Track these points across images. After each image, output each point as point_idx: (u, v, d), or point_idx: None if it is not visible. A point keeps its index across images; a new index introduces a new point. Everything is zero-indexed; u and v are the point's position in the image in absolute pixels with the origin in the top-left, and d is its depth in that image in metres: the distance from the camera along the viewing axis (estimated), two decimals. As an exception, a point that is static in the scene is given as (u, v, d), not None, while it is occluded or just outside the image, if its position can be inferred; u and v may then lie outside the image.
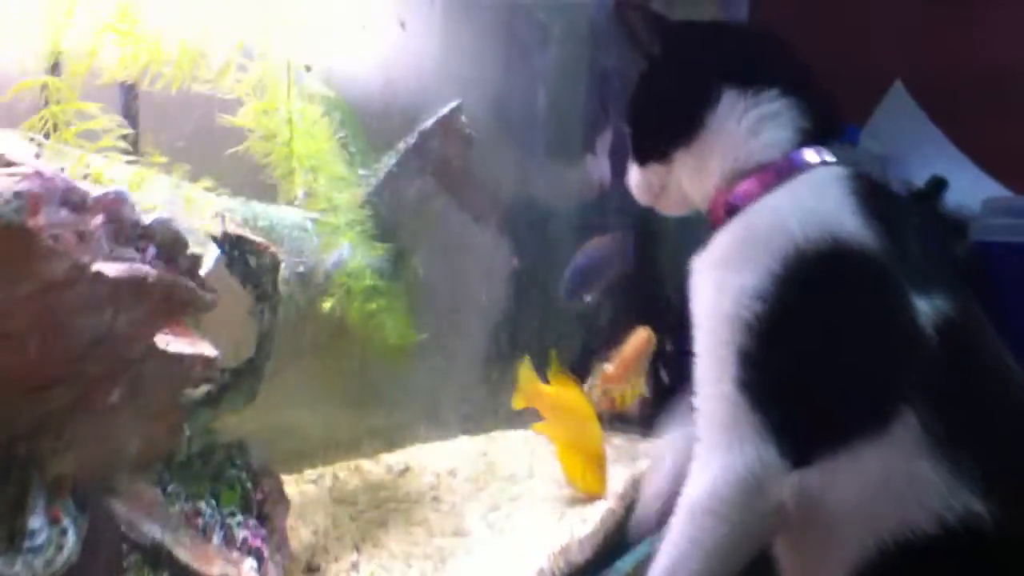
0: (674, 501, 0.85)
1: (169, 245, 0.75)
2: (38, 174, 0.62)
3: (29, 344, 0.65)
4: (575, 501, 1.40)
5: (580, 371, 1.63)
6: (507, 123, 1.72)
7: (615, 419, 1.78)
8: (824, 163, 0.88)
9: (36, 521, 0.69)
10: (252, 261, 0.95)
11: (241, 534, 0.92)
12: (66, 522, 0.71)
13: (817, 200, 0.83)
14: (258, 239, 0.95)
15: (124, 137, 0.85)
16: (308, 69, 1.01)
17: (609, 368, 1.71)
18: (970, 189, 2.10)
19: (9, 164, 0.64)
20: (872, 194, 0.84)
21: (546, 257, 1.79)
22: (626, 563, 1.30)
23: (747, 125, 0.90)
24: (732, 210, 0.88)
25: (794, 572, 0.88)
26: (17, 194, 0.60)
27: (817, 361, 0.79)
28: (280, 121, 0.99)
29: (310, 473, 1.37)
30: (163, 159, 0.89)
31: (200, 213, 0.90)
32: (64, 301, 0.65)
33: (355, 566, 1.09)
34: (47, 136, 0.81)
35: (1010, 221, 1.91)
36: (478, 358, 1.70)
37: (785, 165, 0.88)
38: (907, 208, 0.92)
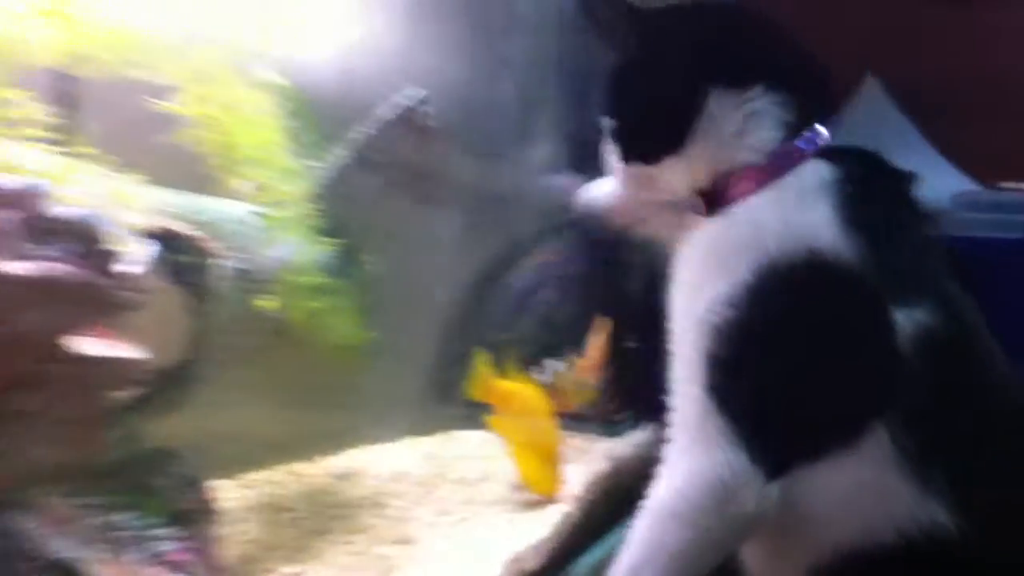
0: None
1: (90, 241, 0.72)
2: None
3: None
4: (530, 505, 1.36)
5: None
6: (475, 115, 1.68)
7: (574, 418, 1.76)
8: (812, 158, 0.87)
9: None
10: (187, 257, 0.90)
11: (164, 548, 0.88)
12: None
13: (796, 209, 0.83)
14: (194, 234, 0.90)
15: (51, 126, 0.81)
16: (249, 54, 0.95)
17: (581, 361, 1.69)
18: (941, 184, 2.08)
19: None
20: (857, 197, 0.84)
21: (508, 254, 1.76)
22: (581, 568, 1.27)
23: (734, 127, 0.88)
24: (715, 205, 0.88)
25: (757, 572, 0.89)
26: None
27: (787, 373, 0.79)
28: (221, 109, 0.93)
29: (247, 479, 1.32)
30: (93, 149, 0.84)
31: (131, 207, 0.85)
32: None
33: (291, 578, 1.05)
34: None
35: (980, 216, 1.92)
36: (431, 358, 1.66)
37: (771, 165, 0.86)
38: (899, 207, 0.89)
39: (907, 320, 0.79)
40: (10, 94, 0.79)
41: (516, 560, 1.14)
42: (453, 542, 1.21)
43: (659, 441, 1.59)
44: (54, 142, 0.81)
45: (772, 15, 0.95)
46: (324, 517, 1.24)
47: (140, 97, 0.92)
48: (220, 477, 1.26)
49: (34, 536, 0.74)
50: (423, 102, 1.23)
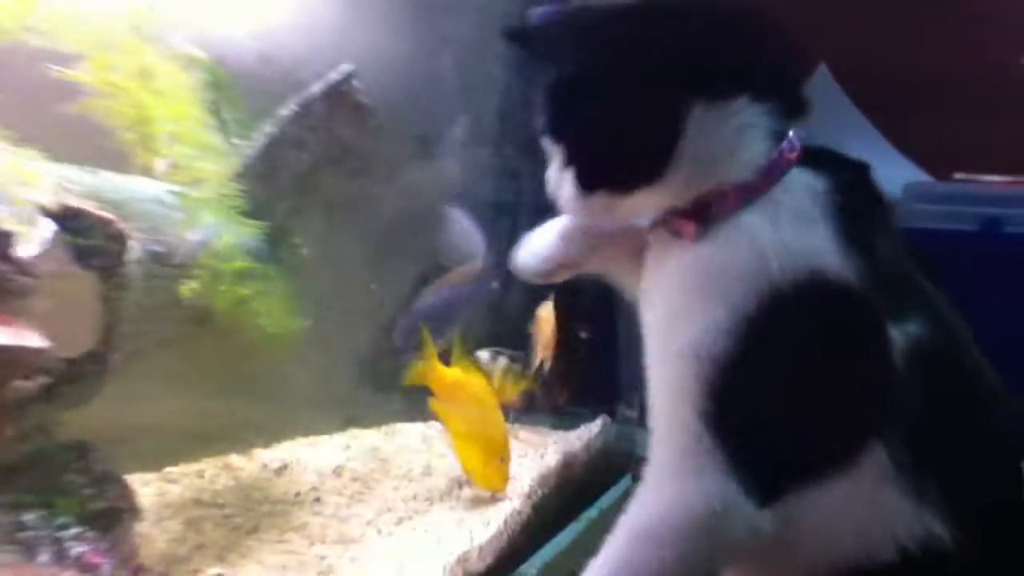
0: None
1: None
2: None
3: None
4: (477, 502, 1.34)
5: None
6: (415, 93, 1.65)
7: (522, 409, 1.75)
8: (800, 164, 0.82)
9: None
10: (94, 239, 0.85)
11: (76, 549, 0.84)
12: None
13: (792, 226, 0.79)
14: (102, 213, 0.86)
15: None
16: (148, 15, 0.91)
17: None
18: (892, 175, 2.10)
19: None
20: (847, 209, 0.80)
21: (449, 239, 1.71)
22: (531, 567, 1.25)
23: (721, 144, 0.81)
24: (699, 225, 0.82)
25: None
26: None
27: (789, 399, 0.77)
28: (130, 79, 0.89)
29: (172, 472, 1.28)
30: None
31: (30, 184, 0.80)
32: None
33: (218, 579, 1.01)
34: None
35: (932, 207, 1.92)
36: (370, 344, 1.62)
37: (761, 178, 0.81)
38: (880, 209, 0.87)
39: (900, 333, 0.79)
40: None
41: (461, 560, 1.11)
42: (395, 541, 1.19)
43: (612, 433, 1.58)
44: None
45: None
46: (256, 514, 1.20)
47: (40, 65, 0.88)
48: (142, 471, 1.23)
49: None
50: (351, 77, 1.19)
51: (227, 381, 1.25)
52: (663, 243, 0.85)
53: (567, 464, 1.59)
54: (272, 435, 1.46)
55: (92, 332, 0.89)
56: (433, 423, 1.61)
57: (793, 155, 0.82)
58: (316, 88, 1.19)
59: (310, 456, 1.45)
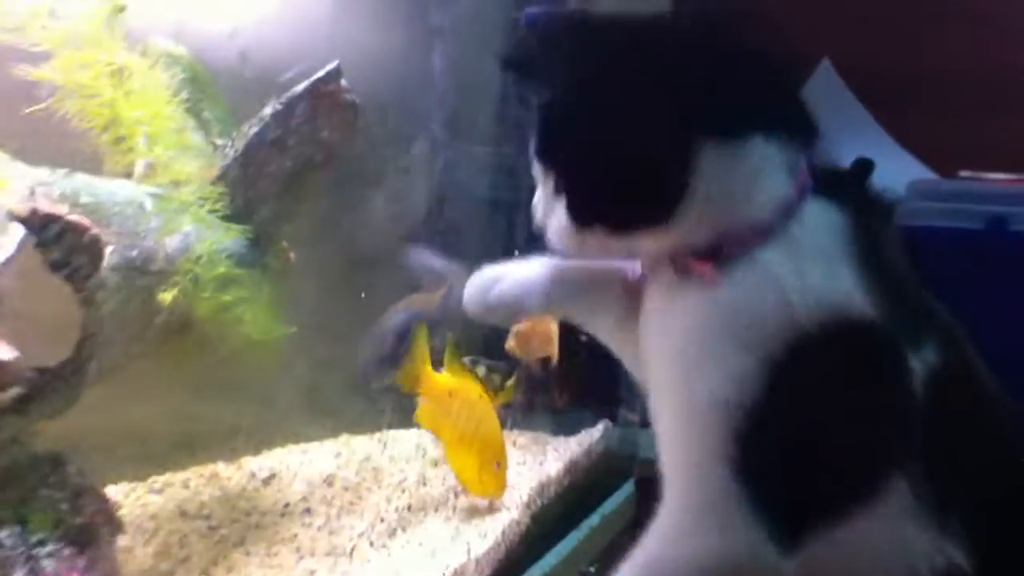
0: None
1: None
2: None
3: None
4: (473, 513, 1.32)
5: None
6: (406, 91, 1.63)
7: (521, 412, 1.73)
8: (815, 194, 0.79)
9: None
10: (68, 244, 0.83)
11: (52, 566, 0.82)
12: None
13: (814, 263, 0.76)
14: (75, 218, 0.84)
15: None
16: (121, 10, 0.89)
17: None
18: (896, 171, 2.08)
19: None
20: (865, 241, 0.78)
21: (442, 241, 1.70)
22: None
23: (734, 186, 0.77)
24: (710, 263, 0.78)
25: None
26: None
27: (817, 443, 0.75)
28: (103, 77, 0.87)
29: (156, 481, 1.26)
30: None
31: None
32: None
33: (203, 594, 1.00)
34: None
35: (936, 205, 1.90)
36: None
37: (778, 216, 0.77)
38: (893, 237, 0.84)
39: (919, 362, 0.77)
40: None
41: (457, 574, 1.09)
42: (388, 554, 1.16)
43: (614, 437, 1.55)
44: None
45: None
46: (243, 525, 1.19)
47: (8, 64, 0.86)
48: (127, 480, 1.22)
49: None
50: (334, 74, 1.17)
51: (213, 386, 1.23)
52: (668, 283, 0.81)
53: (568, 471, 1.58)
54: (261, 441, 1.44)
55: (67, 341, 0.87)
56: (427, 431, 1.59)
57: (810, 186, 0.79)
58: (300, 87, 1.16)
59: (300, 464, 1.43)
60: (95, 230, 0.86)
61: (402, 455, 1.55)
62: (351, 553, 1.15)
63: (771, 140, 0.77)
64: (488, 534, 1.23)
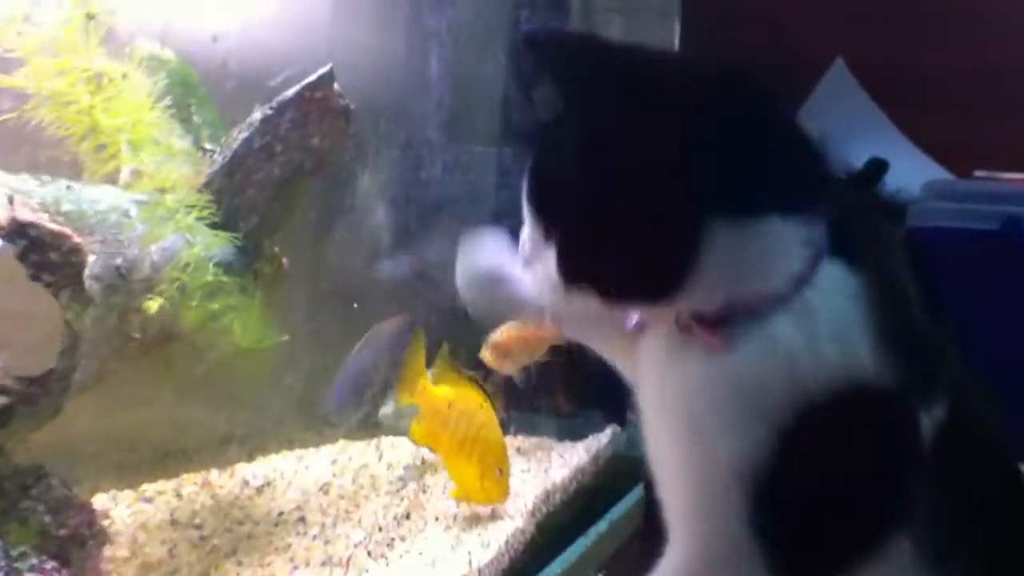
0: None
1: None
2: None
3: None
4: (475, 521, 1.31)
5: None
6: (403, 96, 1.63)
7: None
8: (827, 258, 0.75)
9: None
10: (49, 253, 0.84)
11: (36, 581, 0.82)
12: None
13: (828, 331, 0.73)
14: (56, 227, 0.84)
15: None
16: (91, 17, 0.88)
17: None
18: (910, 172, 2.09)
19: None
20: (882, 301, 0.75)
21: (438, 248, 1.68)
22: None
23: (747, 264, 0.73)
24: (724, 326, 0.74)
25: None
26: None
27: (828, 506, 0.75)
28: (81, 83, 0.87)
29: (146, 489, 1.25)
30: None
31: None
32: None
33: (194, 607, 1.00)
34: None
35: (951, 205, 1.91)
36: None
37: (794, 287, 0.73)
38: (908, 284, 0.80)
39: (928, 419, 0.76)
40: None
41: (459, 585, 1.09)
42: (385, 565, 1.16)
43: (622, 441, 1.54)
44: None
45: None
46: (236, 535, 1.18)
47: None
48: (117, 488, 1.21)
49: None
50: (326, 79, 1.16)
51: (207, 390, 1.23)
52: (671, 339, 0.77)
53: (574, 478, 1.57)
54: (255, 448, 1.44)
55: (50, 351, 0.87)
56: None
57: (825, 248, 0.74)
58: (290, 92, 1.16)
59: (294, 472, 1.43)
60: (76, 239, 0.87)
61: (400, 462, 1.55)
62: (347, 563, 1.14)
63: (788, 222, 0.72)
64: (491, 543, 1.22)
